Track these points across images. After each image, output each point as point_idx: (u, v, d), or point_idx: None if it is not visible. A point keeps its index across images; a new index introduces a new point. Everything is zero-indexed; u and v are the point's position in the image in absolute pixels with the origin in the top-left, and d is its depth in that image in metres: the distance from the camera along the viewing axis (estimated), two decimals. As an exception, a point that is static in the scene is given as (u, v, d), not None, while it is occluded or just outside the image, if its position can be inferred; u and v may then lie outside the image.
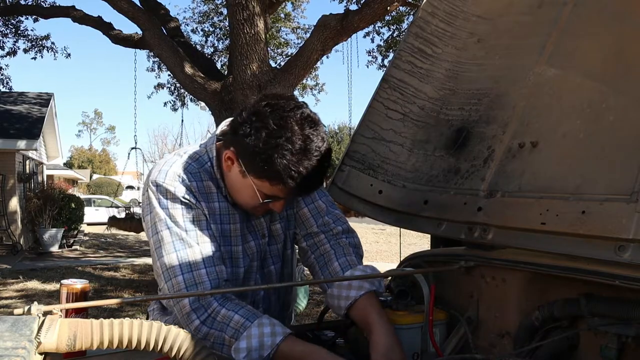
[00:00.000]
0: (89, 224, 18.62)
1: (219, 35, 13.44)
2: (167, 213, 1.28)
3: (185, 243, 1.26)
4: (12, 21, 10.41)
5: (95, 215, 20.42)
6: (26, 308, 0.91)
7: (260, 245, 1.41)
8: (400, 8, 9.29)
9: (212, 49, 13.37)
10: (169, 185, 1.28)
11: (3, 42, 10.59)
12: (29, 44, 10.83)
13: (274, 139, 1.17)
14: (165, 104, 14.52)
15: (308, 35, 8.79)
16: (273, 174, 1.19)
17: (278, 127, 1.17)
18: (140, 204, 1.44)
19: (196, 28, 13.68)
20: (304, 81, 13.81)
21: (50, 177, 21.82)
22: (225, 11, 11.42)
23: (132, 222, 8.86)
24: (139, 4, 7.90)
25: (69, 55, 11.68)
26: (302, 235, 1.48)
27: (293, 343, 1.19)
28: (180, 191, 1.28)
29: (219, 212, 1.34)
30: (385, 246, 13.86)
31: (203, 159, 1.35)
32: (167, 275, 1.26)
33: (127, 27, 11.63)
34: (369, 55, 12.15)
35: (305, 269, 1.62)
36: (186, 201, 1.28)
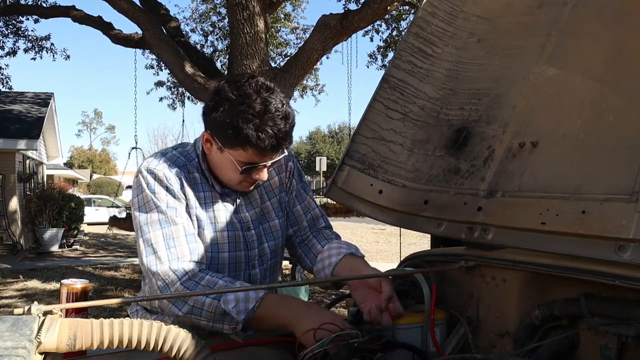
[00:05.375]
0: (89, 224, 18.62)
1: (218, 35, 13.43)
2: (154, 195, 1.36)
3: (170, 221, 1.35)
4: (13, 21, 10.40)
5: (95, 215, 20.42)
6: (26, 308, 0.91)
7: (246, 237, 1.47)
8: (400, 7, 9.29)
9: (211, 49, 13.37)
10: (159, 171, 1.38)
11: (3, 42, 10.59)
12: (29, 44, 10.83)
13: (236, 107, 1.29)
14: (161, 99, 14.42)
15: (307, 35, 8.79)
16: (243, 139, 1.29)
17: (237, 97, 1.30)
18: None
19: (196, 28, 13.68)
20: (304, 82, 13.80)
21: (50, 177, 21.82)
22: (224, 11, 11.43)
23: (133, 222, 8.85)
24: (139, 4, 7.90)
25: (68, 57, 11.68)
26: (294, 230, 1.61)
27: (272, 295, 1.34)
28: (167, 178, 1.37)
29: (204, 200, 1.42)
30: (385, 246, 13.85)
31: (191, 156, 1.45)
32: (149, 250, 1.34)
33: (127, 27, 11.63)
34: (370, 58, 12.13)
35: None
36: (171, 188, 1.37)
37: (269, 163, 1.36)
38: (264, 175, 1.39)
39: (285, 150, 1.38)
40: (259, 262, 1.50)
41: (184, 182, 1.39)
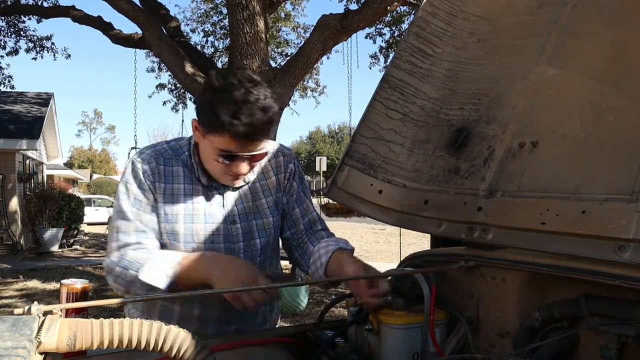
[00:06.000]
0: (89, 224, 18.63)
1: (219, 35, 13.42)
2: (126, 185, 1.45)
3: (128, 215, 1.43)
4: (15, 21, 10.40)
5: (95, 215, 20.43)
6: (26, 308, 0.91)
7: (230, 230, 1.50)
8: (401, 8, 9.29)
9: (212, 49, 13.36)
10: (138, 163, 1.45)
11: (4, 41, 10.58)
12: (30, 44, 10.82)
13: (219, 93, 1.33)
14: (164, 102, 14.43)
15: (308, 34, 8.79)
16: (219, 124, 1.32)
17: (221, 83, 1.35)
18: None
19: (196, 28, 13.67)
20: (305, 83, 13.80)
21: (50, 177, 21.81)
22: (225, 10, 11.42)
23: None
24: (139, 4, 7.90)
25: (69, 56, 11.67)
26: (292, 233, 1.62)
27: (189, 256, 1.39)
28: (144, 170, 1.44)
29: (183, 192, 1.47)
30: (385, 246, 13.85)
31: (182, 149, 1.50)
32: (112, 236, 1.44)
33: (127, 27, 11.63)
34: (372, 59, 12.10)
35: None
36: (143, 181, 1.44)
37: (246, 154, 1.37)
38: (242, 168, 1.40)
39: (265, 145, 1.39)
40: (244, 257, 1.52)
41: (162, 175, 1.45)
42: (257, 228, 1.54)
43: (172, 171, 1.47)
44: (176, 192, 1.46)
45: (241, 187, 1.52)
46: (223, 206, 1.50)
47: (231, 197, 1.51)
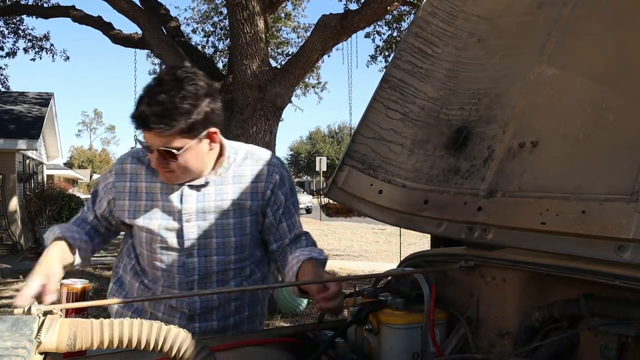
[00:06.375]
0: (89, 224, 18.52)
1: (219, 36, 13.43)
2: (99, 180, 1.65)
3: (89, 199, 1.66)
4: (13, 20, 10.38)
5: (95, 215, 20.34)
6: (26, 308, 0.92)
7: (184, 227, 1.52)
8: (401, 7, 9.28)
9: (212, 50, 13.36)
10: (115, 163, 1.62)
11: (3, 42, 10.57)
12: (29, 44, 10.81)
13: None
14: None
15: (308, 34, 8.80)
16: None
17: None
18: None
19: (197, 28, 13.67)
20: (306, 80, 13.79)
21: (50, 177, 21.82)
22: (225, 11, 11.42)
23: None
24: (139, 4, 7.90)
25: (68, 58, 11.65)
26: (277, 246, 1.62)
27: (58, 242, 1.50)
28: (111, 170, 1.60)
29: (145, 190, 1.55)
30: (385, 246, 13.84)
31: None
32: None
33: (127, 27, 11.63)
34: (371, 59, 12.09)
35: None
36: (109, 180, 1.59)
37: (153, 146, 1.40)
38: (152, 159, 1.44)
39: (179, 144, 1.39)
40: (199, 253, 1.53)
41: (128, 173, 1.56)
42: (216, 228, 1.53)
43: (137, 169, 1.56)
44: (139, 190, 1.54)
45: (202, 185, 1.52)
46: (181, 203, 1.51)
47: (192, 195, 1.52)
